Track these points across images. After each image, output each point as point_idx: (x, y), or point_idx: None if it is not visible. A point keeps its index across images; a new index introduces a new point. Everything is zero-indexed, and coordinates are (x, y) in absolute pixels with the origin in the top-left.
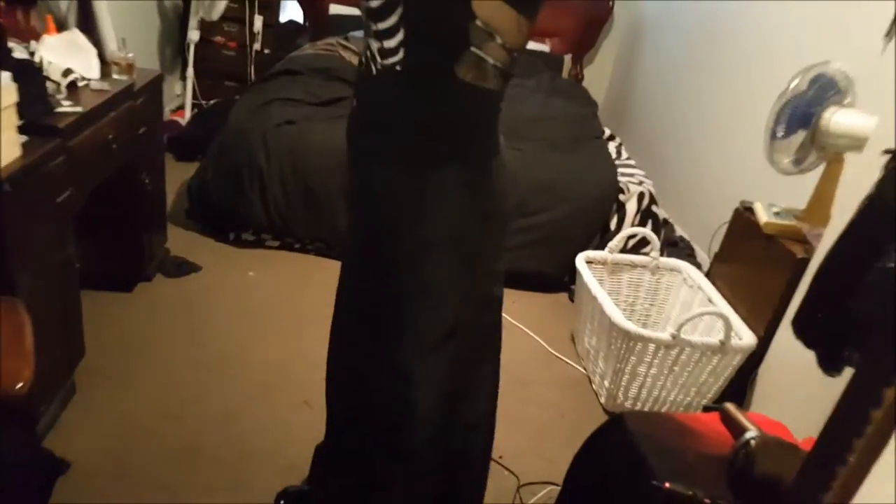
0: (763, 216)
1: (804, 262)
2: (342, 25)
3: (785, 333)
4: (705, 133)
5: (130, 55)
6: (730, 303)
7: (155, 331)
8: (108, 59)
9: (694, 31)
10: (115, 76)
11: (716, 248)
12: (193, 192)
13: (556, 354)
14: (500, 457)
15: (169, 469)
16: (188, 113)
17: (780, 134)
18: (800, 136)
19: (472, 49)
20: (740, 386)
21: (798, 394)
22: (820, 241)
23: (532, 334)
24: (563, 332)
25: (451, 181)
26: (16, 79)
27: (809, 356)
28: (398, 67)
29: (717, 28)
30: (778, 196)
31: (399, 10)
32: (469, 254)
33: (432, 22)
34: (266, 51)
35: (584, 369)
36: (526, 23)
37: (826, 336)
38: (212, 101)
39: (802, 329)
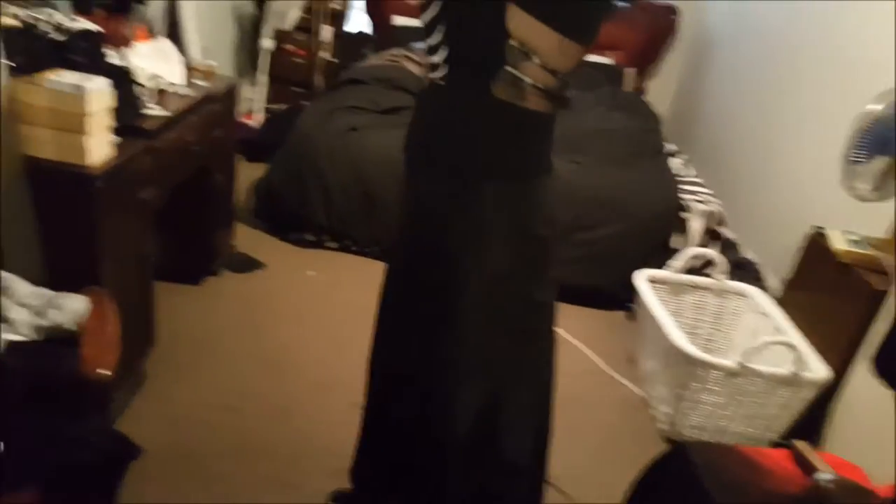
0: (838, 243)
1: (881, 294)
2: (406, 36)
3: (864, 369)
4: (776, 151)
5: (212, 63)
6: (801, 332)
7: (219, 324)
8: (191, 66)
9: (763, 45)
10: (196, 82)
11: (786, 273)
12: (261, 192)
13: (613, 374)
14: (553, 477)
15: (226, 462)
16: (258, 116)
17: (858, 159)
18: (880, 161)
19: (507, 68)
20: (813, 422)
21: (878, 435)
22: None
23: (587, 352)
24: (620, 351)
25: (481, 197)
26: (112, 84)
27: (892, 396)
28: (441, 82)
29: (787, 42)
30: (854, 221)
31: (443, 28)
32: (497, 275)
33: (470, 39)
34: (333, 59)
35: (643, 392)
36: (571, 44)
37: None
38: (281, 106)
39: (885, 367)
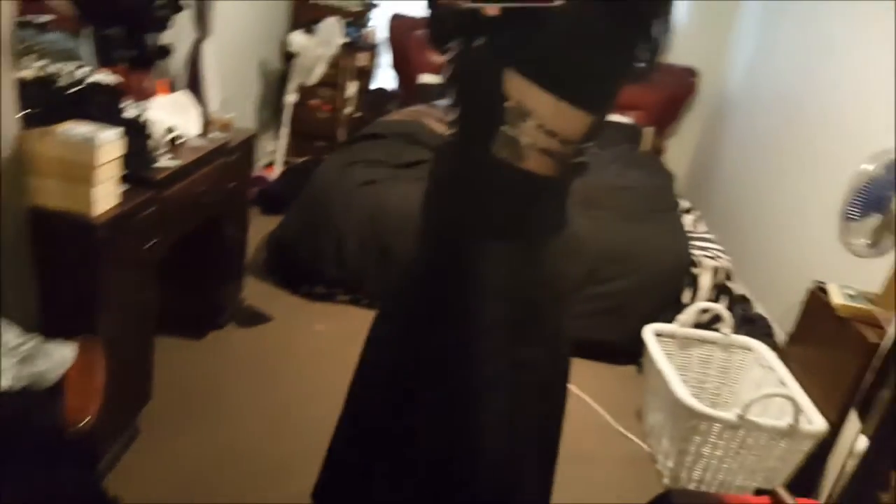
0: (837, 298)
1: (877, 348)
2: (431, 93)
3: (857, 421)
4: (783, 209)
5: (229, 115)
6: (803, 386)
7: (221, 380)
8: (209, 118)
9: (776, 107)
10: (213, 133)
11: (790, 327)
12: (273, 245)
13: (621, 430)
14: None
15: None
16: (278, 169)
17: (854, 216)
18: (875, 218)
19: (504, 127)
20: (811, 473)
21: None
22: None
23: (597, 407)
24: (630, 406)
25: (477, 253)
26: (125, 134)
27: None
28: (452, 139)
29: (796, 104)
30: (855, 276)
31: (455, 87)
32: (482, 331)
33: (475, 99)
34: (357, 114)
35: (649, 447)
36: (569, 108)
37: None
38: (302, 159)
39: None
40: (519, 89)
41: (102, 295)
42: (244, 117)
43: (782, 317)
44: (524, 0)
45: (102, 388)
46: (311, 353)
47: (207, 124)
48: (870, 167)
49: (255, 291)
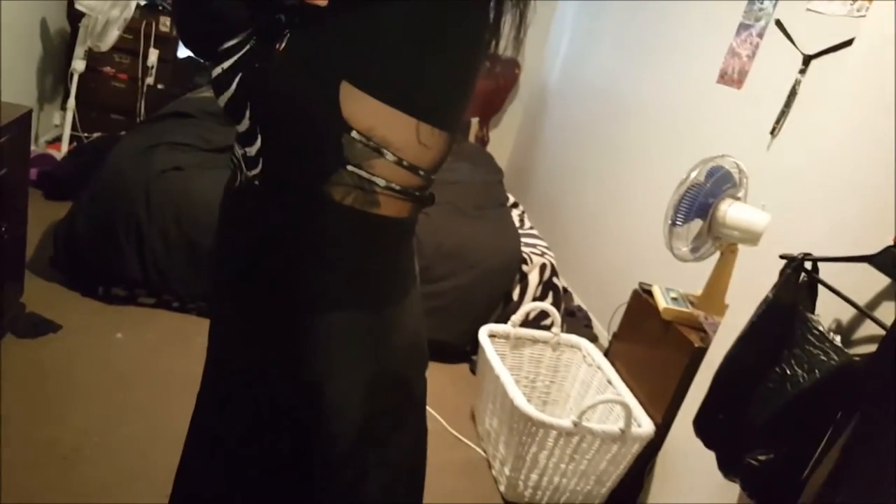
0: (661, 301)
1: (701, 351)
2: None
3: (682, 424)
4: (607, 207)
5: None
6: (629, 385)
7: None
8: None
9: (595, 106)
10: None
11: (615, 326)
12: (60, 238)
13: (456, 434)
14: None
15: None
16: (65, 147)
17: (678, 221)
18: (697, 224)
19: (350, 167)
20: (639, 474)
21: (696, 487)
22: (716, 331)
23: (431, 411)
24: (464, 407)
25: (319, 336)
26: None
27: (708, 451)
28: (257, 182)
29: (616, 104)
30: (678, 276)
31: (250, 106)
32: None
33: (290, 126)
34: (160, 86)
35: (484, 452)
36: (431, 131)
37: (726, 439)
38: (95, 135)
39: (703, 429)
40: (365, 111)
41: None
42: (22, 85)
43: (602, 308)
44: None
45: None
46: (110, 367)
47: None
48: (692, 174)
49: (39, 294)
